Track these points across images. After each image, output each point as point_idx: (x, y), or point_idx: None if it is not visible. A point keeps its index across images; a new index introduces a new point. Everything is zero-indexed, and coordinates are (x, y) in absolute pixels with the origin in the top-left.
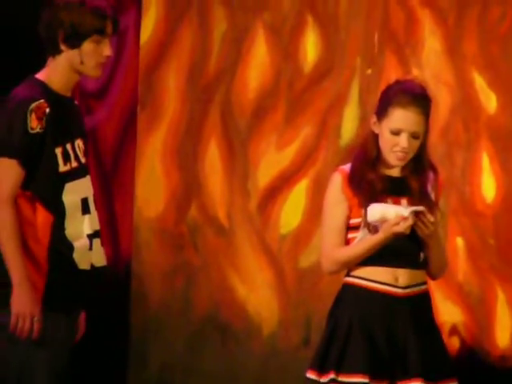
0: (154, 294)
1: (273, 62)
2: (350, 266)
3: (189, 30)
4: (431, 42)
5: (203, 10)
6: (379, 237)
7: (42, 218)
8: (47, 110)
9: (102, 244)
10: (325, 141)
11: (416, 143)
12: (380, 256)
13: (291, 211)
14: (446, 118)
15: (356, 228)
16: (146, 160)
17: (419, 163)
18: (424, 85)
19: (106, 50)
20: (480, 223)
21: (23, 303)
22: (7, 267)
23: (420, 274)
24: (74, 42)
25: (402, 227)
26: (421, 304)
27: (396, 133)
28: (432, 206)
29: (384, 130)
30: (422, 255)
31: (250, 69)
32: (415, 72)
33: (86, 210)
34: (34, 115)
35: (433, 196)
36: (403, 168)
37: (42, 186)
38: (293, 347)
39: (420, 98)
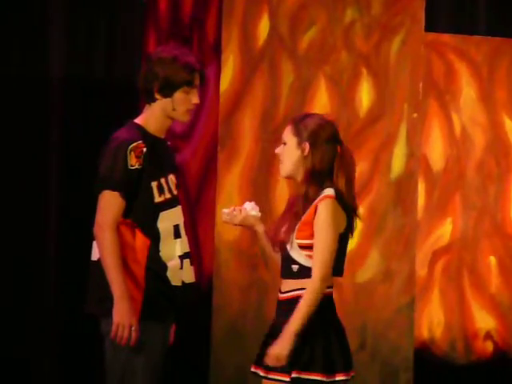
0: (232, 306)
1: (332, 107)
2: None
3: (261, 81)
4: (467, 90)
5: (273, 64)
6: None
7: (140, 242)
8: (144, 150)
9: (191, 264)
10: (377, 174)
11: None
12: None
13: None
14: (480, 154)
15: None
16: (225, 191)
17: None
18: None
19: (195, 99)
20: (510, 244)
21: (123, 314)
22: (110, 283)
23: (299, 283)
24: (168, 92)
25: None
26: (295, 306)
27: None
28: (294, 224)
29: None
30: (294, 267)
31: None
32: (454, 116)
33: (177, 234)
34: (133, 154)
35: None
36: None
37: (140, 214)
38: (351, 351)
39: (294, 120)
